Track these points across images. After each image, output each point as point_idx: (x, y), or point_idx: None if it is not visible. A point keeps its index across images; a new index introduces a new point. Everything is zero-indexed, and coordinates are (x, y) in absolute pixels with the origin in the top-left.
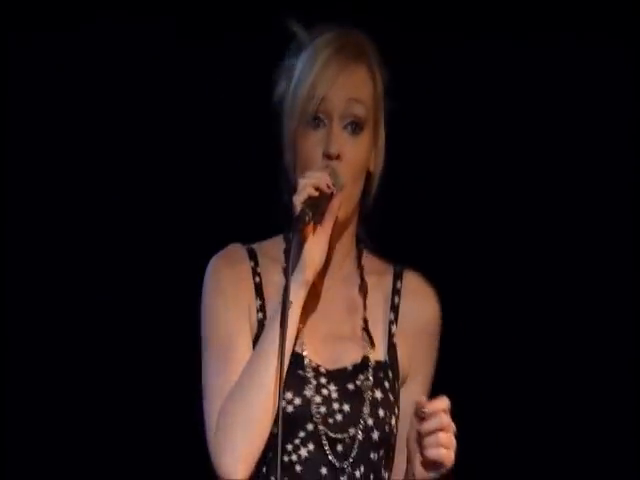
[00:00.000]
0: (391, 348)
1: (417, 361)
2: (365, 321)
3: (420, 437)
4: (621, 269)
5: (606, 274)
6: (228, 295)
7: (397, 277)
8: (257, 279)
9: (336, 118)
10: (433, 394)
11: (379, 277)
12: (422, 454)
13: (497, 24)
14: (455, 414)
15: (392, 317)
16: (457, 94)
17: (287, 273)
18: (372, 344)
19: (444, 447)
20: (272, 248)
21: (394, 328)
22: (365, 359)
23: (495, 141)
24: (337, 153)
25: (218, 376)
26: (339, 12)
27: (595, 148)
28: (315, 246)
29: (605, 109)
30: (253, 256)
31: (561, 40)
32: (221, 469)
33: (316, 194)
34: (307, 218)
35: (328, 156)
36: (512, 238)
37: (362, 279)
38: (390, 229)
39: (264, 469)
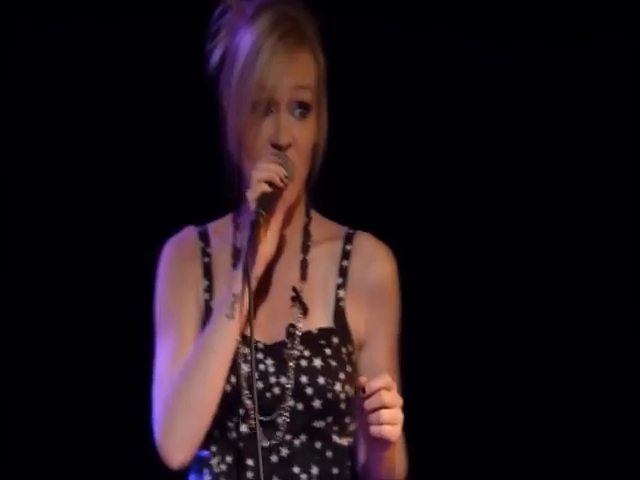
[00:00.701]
0: (338, 313)
1: (374, 323)
2: (295, 290)
3: (364, 415)
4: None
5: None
6: (174, 280)
7: (347, 240)
8: (206, 259)
9: (283, 107)
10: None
11: (329, 242)
12: (366, 431)
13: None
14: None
15: (340, 281)
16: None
17: (246, 277)
18: (305, 312)
19: (388, 424)
20: (222, 227)
21: (342, 292)
22: (290, 327)
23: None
24: (287, 143)
25: (163, 363)
26: None
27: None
28: (268, 242)
29: (602, 108)
30: (204, 237)
31: (559, 49)
32: (161, 456)
33: (269, 190)
34: (262, 219)
35: (278, 147)
36: (503, 224)
37: (304, 251)
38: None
39: (214, 448)
